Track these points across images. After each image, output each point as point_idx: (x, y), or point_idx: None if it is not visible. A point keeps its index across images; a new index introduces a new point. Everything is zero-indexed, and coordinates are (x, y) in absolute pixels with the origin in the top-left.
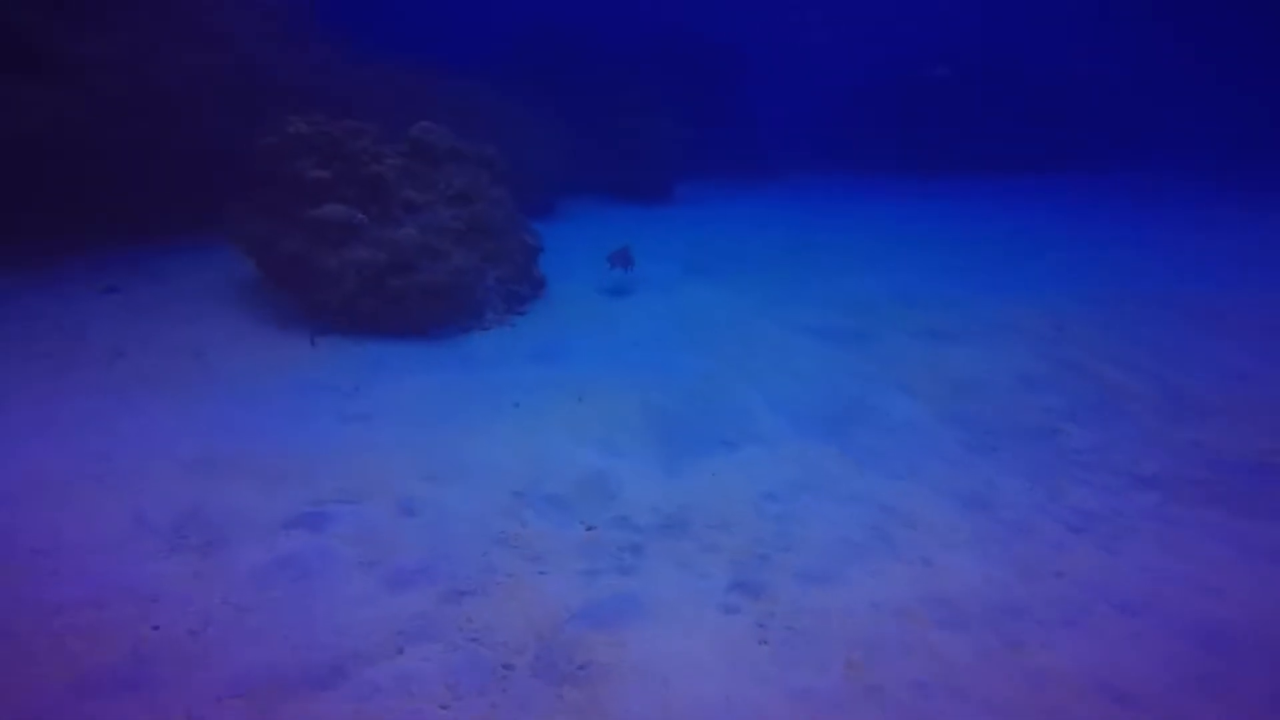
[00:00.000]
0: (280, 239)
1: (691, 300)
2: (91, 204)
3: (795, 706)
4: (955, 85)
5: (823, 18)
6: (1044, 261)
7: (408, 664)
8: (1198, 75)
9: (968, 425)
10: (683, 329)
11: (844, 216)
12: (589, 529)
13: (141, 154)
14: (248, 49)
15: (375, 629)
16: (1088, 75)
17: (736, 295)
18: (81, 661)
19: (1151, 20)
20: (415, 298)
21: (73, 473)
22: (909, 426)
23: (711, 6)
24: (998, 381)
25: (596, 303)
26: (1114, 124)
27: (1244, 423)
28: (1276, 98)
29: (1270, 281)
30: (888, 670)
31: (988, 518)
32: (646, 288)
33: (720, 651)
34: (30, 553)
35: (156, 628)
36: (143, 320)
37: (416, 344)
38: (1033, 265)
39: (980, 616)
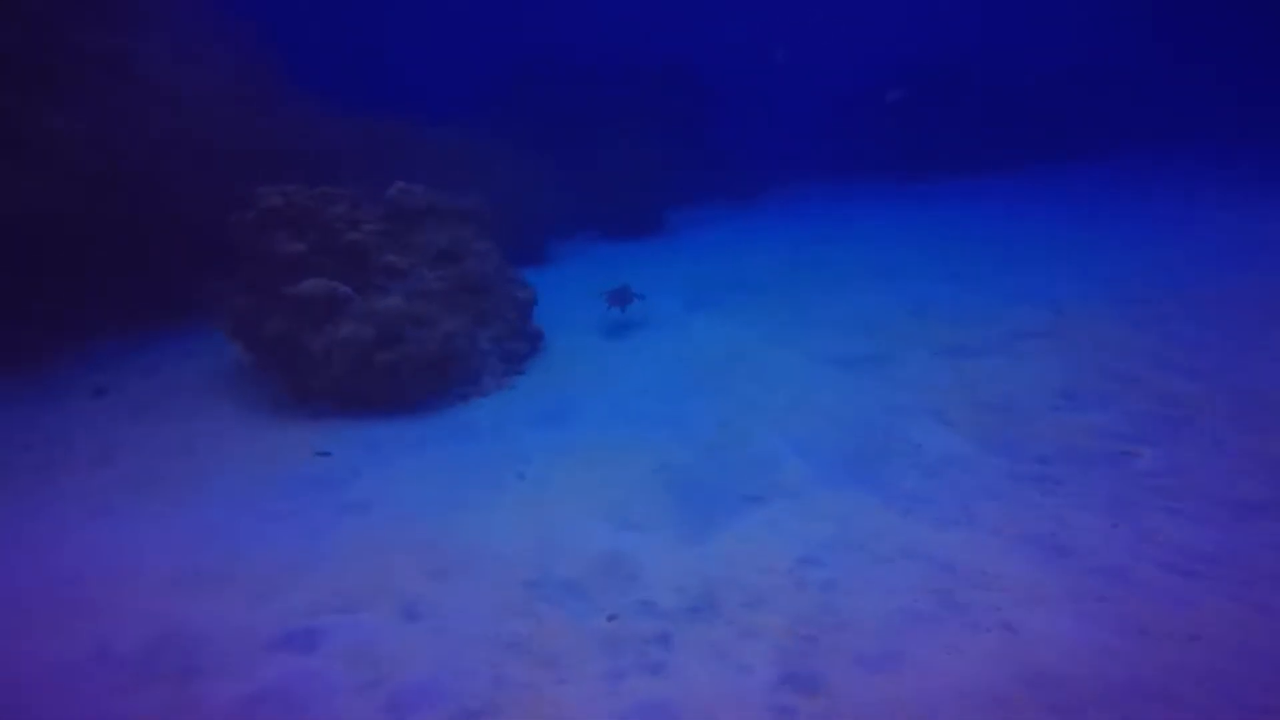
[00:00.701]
0: (265, 319)
1: (697, 336)
2: (78, 295)
3: None
4: (941, 88)
5: (798, 33)
6: (1056, 260)
7: None
8: (1188, 61)
9: (1016, 454)
10: (691, 370)
11: (840, 228)
12: (610, 619)
13: (119, 236)
14: (216, 113)
15: None
16: (1077, 66)
17: (743, 326)
18: None
19: (1140, 9)
20: (407, 371)
21: (40, 595)
22: (951, 461)
23: (688, 28)
24: (1037, 399)
25: (598, 351)
26: (1106, 114)
27: None
28: (1263, 78)
29: None
30: None
31: (1072, 567)
32: (649, 327)
33: None
34: None
35: None
36: (131, 421)
37: (413, 419)
38: (1044, 265)
39: (1105, 700)
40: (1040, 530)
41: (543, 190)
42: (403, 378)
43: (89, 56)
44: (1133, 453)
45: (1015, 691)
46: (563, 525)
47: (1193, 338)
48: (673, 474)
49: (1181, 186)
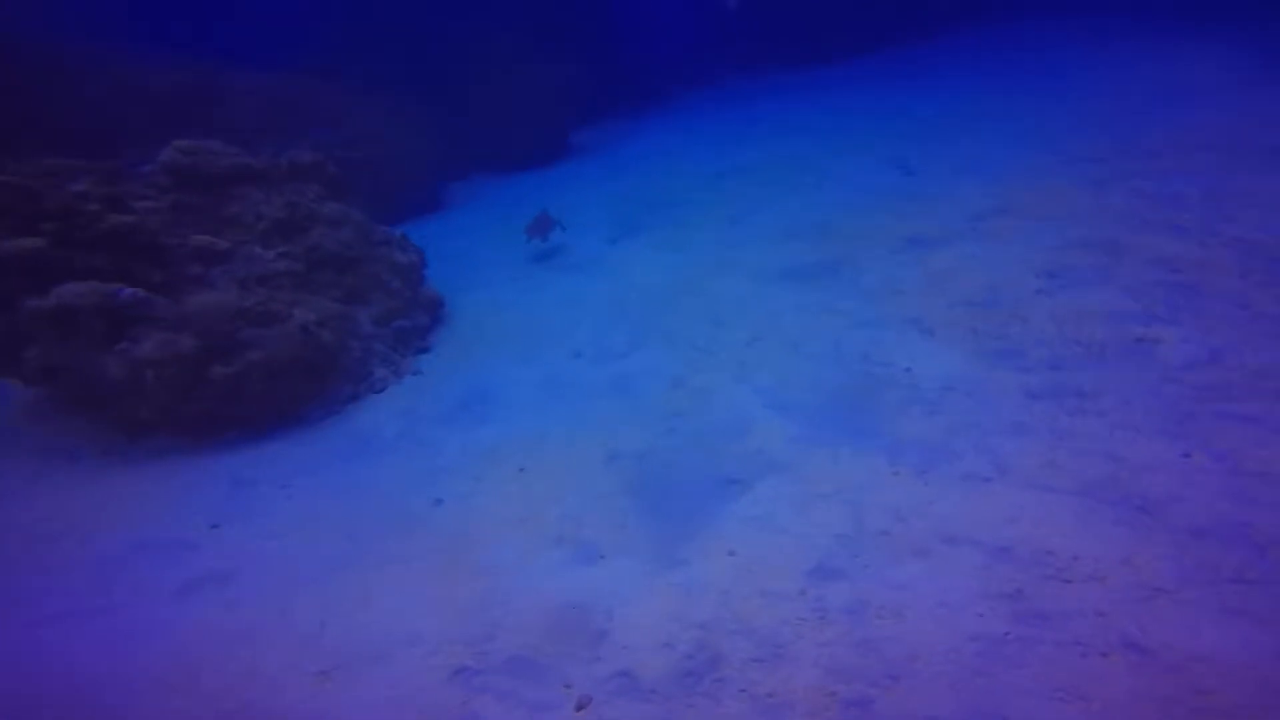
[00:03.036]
0: (22, 345)
1: (628, 272)
2: None
3: None
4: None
5: None
6: (987, 129)
7: None
8: None
9: (1022, 362)
10: (628, 317)
11: (756, 125)
12: (579, 709)
13: None
14: None
15: None
16: None
17: (676, 252)
18: None
19: None
20: (260, 383)
21: None
22: (951, 385)
23: None
24: (1020, 285)
25: (515, 307)
26: None
27: None
28: None
29: (1230, 104)
30: None
31: (1167, 532)
32: (571, 269)
33: None
34: None
35: None
36: None
37: (290, 437)
38: (976, 136)
39: None
40: (1096, 475)
41: (421, 130)
42: (257, 391)
43: None
44: (1155, 338)
45: None
46: (499, 569)
47: (1162, 192)
48: (629, 465)
49: (1084, 45)
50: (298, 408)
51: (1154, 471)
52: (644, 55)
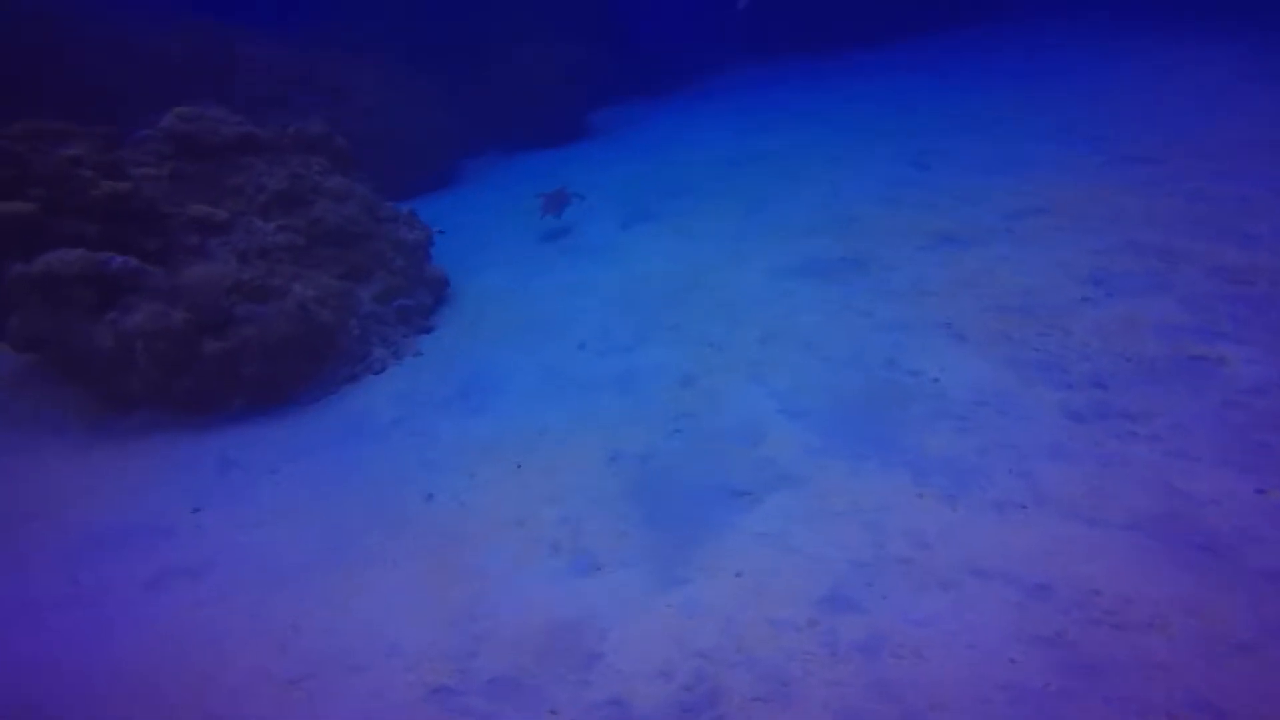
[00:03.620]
0: (8, 311)
1: (639, 261)
2: None
3: None
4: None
5: None
6: (1024, 123)
7: None
8: None
9: (1063, 376)
10: (637, 307)
11: (774, 112)
12: None
13: None
14: None
15: None
16: None
17: (691, 241)
18: None
19: None
20: (255, 359)
21: None
22: (984, 399)
23: None
24: (1062, 291)
25: (521, 291)
26: None
27: None
28: None
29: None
30: None
31: (1240, 576)
32: (582, 253)
33: None
34: None
35: None
36: None
37: (283, 419)
38: (1014, 128)
39: None
40: (1150, 508)
41: (435, 105)
42: (252, 368)
43: None
44: (1216, 356)
45: None
46: (490, 577)
47: (1222, 194)
48: (632, 468)
49: (1111, 41)
50: (292, 387)
51: (1222, 507)
52: (663, 39)
